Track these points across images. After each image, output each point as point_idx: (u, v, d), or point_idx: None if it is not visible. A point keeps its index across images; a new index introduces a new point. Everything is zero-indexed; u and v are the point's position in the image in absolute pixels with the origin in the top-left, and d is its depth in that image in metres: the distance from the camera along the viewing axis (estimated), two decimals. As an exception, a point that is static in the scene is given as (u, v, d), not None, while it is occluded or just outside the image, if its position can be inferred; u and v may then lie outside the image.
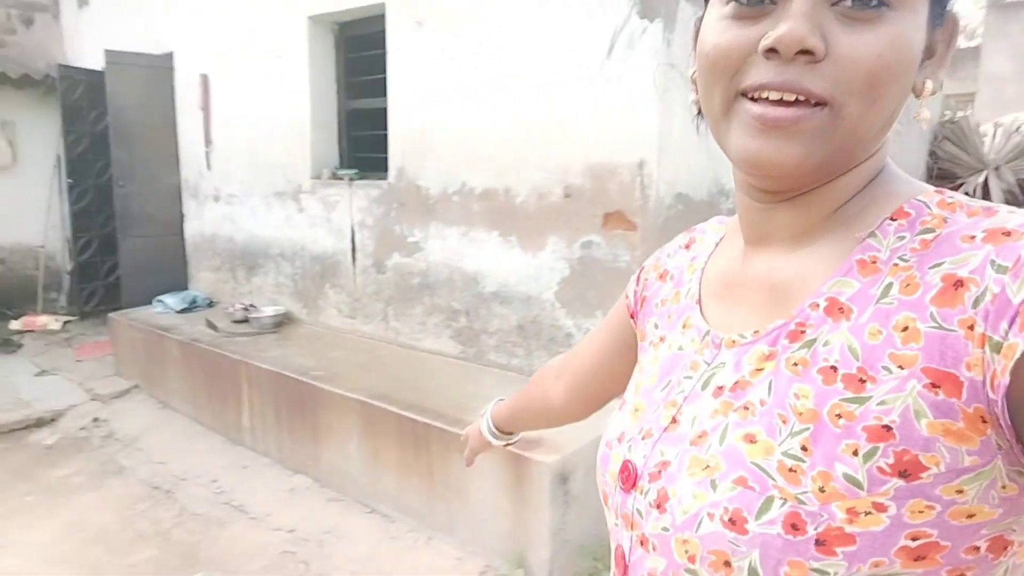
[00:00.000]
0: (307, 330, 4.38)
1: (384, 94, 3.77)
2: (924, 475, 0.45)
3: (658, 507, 0.55)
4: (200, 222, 5.31)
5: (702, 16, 0.57)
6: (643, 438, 0.60)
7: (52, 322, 6.36)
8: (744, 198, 0.60)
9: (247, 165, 4.76)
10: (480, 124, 3.31)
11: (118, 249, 5.43)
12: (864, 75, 0.47)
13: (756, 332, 0.56)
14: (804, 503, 0.47)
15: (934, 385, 0.45)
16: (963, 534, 0.46)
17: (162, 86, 5.26)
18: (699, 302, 0.65)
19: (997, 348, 0.43)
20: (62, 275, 6.95)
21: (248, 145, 4.71)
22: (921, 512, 0.45)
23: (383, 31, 3.71)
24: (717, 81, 0.52)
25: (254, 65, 4.54)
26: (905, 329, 0.47)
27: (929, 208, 0.52)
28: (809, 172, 0.51)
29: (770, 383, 0.52)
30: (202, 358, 4.12)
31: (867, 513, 0.45)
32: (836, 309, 0.51)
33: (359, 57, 4.19)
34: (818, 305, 0.52)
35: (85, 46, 6.21)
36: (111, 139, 5.19)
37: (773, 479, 0.48)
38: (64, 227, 6.71)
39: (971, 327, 0.44)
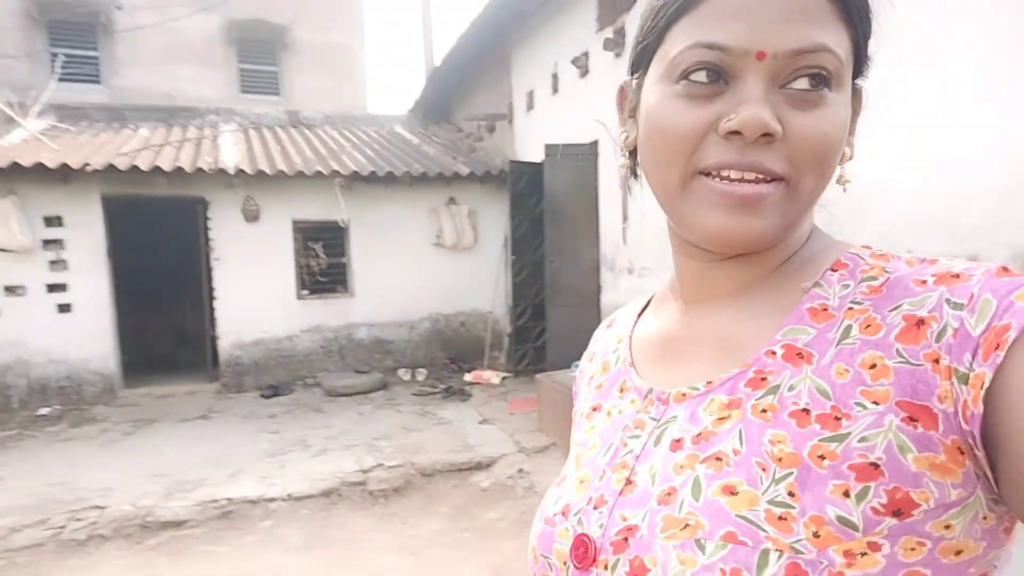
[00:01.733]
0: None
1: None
2: (916, 512, 0.45)
3: None
4: (615, 293, 5.64)
5: (637, 82, 0.59)
6: (595, 507, 0.56)
7: (494, 377, 7.43)
8: (685, 260, 0.61)
9: (662, 237, 4.87)
10: (929, 181, 2.77)
11: (546, 316, 6.08)
12: (814, 153, 0.50)
13: (709, 383, 0.55)
14: (801, 552, 0.45)
15: (911, 419, 0.45)
16: (953, 573, 0.46)
17: (587, 171, 5.82)
18: (632, 365, 0.65)
19: (964, 379, 0.44)
20: (503, 337, 8.11)
21: (662, 219, 4.83)
22: (913, 550, 0.45)
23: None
24: (674, 160, 0.53)
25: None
26: (873, 367, 0.48)
27: (863, 259, 0.54)
28: (768, 242, 0.53)
29: (740, 431, 0.51)
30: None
31: (863, 554, 0.45)
32: (795, 355, 0.52)
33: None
34: (775, 352, 0.53)
35: (530, 143, 7.30)
36: (545, 220, 5.92)
37: (764, 530, 0.46)
38: (507, 296, 7.85)
39: (936, 360, 0.46)
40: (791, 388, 0.50)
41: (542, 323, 6.98)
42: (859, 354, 0.49)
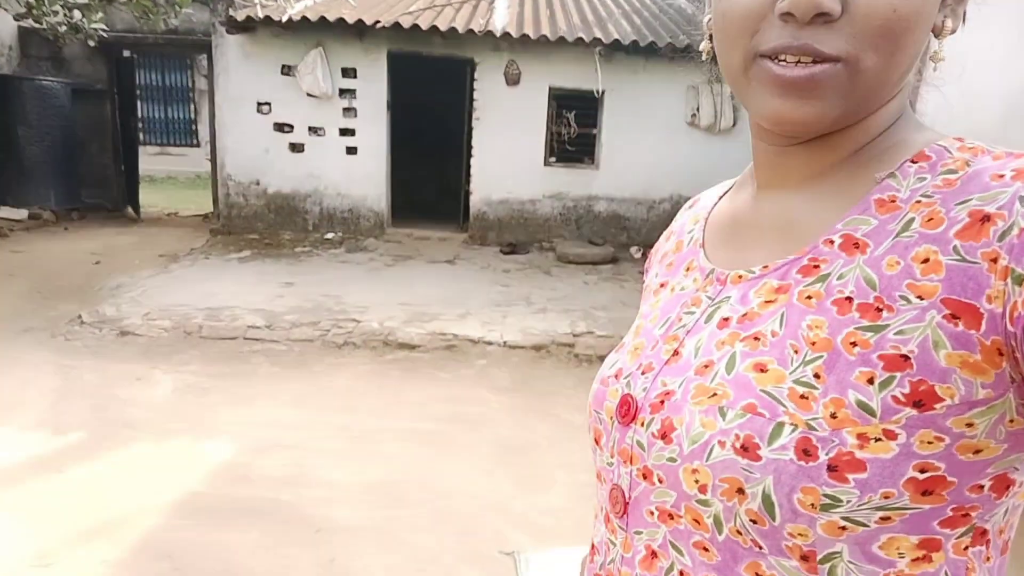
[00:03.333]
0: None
1: None
2: (938, 406, 0.45)
3: (663, 437, 0.54)
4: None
5: None
6: (643, 372, 0.60)
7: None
8: (759, 143, 0.60)
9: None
10: None
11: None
12: (879, 29, 0.47)
13: (765, 267, 0.56)
14: (815, 429, 0.47)
15: (954, 316, 0.45)
16: (969, 471, 0.46)
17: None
18: (702, 246, 0.66)
19: (1020, 280, 0.43)
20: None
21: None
22: (930, 443, 0.45)
23: None
24: (735, 42, 0.53)
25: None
26: (926, 261, 0.47)
27: (950, 152, 0.52)
28: (829, 126, 0.52)
29: (782, 315, 0.52)
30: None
31: (877, 439, 0.45)
32: (851, 244, 0.51)
33: None
34: (832, 241, 0.53)
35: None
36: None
37: (784, 405, 0.48)
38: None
39: (994, 260, 0.44)
40: (840, 277, 0.51)
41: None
42: (914, 247, 0.48)
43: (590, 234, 8.01)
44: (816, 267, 0.52)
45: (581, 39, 7.10)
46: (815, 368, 0.48)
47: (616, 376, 0.63)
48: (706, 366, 0.54)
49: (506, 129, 7.68)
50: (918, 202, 0.50)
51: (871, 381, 0.46)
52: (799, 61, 0.49)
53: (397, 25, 7.01)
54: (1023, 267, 0.43)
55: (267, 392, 3.94)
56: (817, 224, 0.55)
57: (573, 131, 7.75)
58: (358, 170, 7.81)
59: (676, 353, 0.58)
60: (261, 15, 6.98)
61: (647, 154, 7.74)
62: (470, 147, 7.88)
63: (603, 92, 7.53)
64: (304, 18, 6.97)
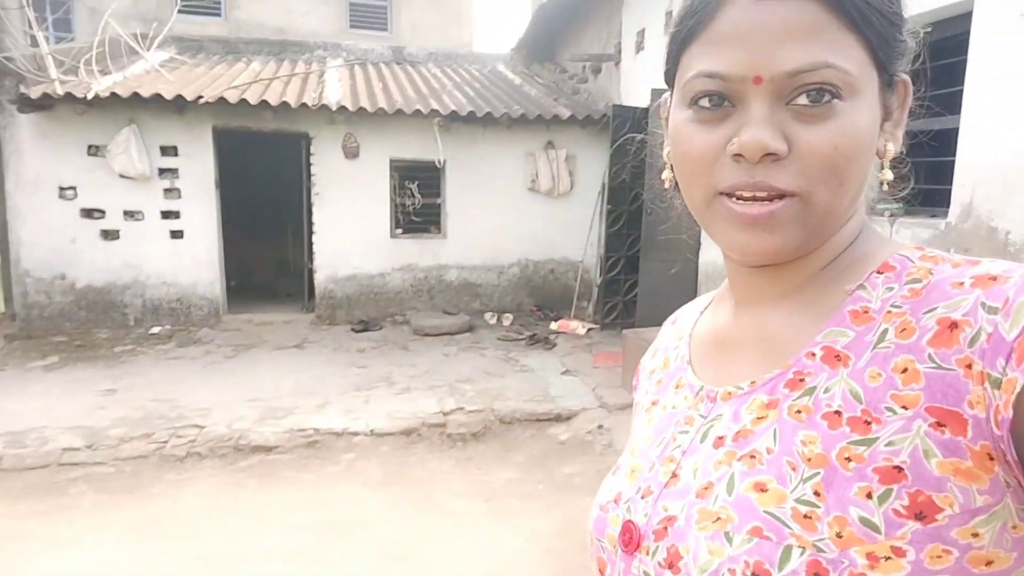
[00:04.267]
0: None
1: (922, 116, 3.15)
2: (939, 516, 0.45)
3: (670, 567, 0.53)
4: (716, 251, 5.32)
5: (669, 97, 0.61)
6: (642, 497, 0.59)
7: (580, 328, 7.31)
8: (731, 263, 0.62)
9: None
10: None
11: (639, 270, 5.84)
12: (824, 166, 0.51)
13: (752, 383, 0.57)
14: (823, 551, 0.46)
15: (940, 424, 0.46)
16: None
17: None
18: (689, 363, 0.67)
19: (997, 384, 0.44)
20: (592, 288, 7.94)
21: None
22: (939, 557, 0.45)
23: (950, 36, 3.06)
24: (694, 181, 0.56)
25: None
26: (905, 371, 0.48)
27: (912, 261, 0.54)
28: (791, 253, 0.55)
29: (775, 431, 0.52)
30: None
31: (887, 558, 0.45)
32: (833, 357, 0.53)
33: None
34: (814, 354, 0.54)
35: (636, 87, 6.91)
36: (647, 169, 5.61)
37: (789, 527, 0.48)
38: (599, 246, 7.64)
39: (969, 366, 0.46)
40: (826, 390, 0.52)
41: (634, 276, 6.75)
42: (892, 358, 0.49)
43: (443, 304, 7.88)
44: (802, 380, 0.54)
45: (419, 110, 7.11)
46: (814, 486, 0.48)
47: (615, 501, 0.62)
48: (706, 488, 0.54)
49: (348, 203, 7.43)
50: (889, 312, 0.52)
51: (870, 496, 0.46)
52: (754, 197, 0.52)
53: (222, 100, 6.60)
54: (998, 371, 0.44)
55: (94, 527, 3.30)
56: (797, 337, 0.56)
57: (418, 202, 7.68)
58: (186, 255, 7.14)
59: (674, 475, 0.58)
60: (61, 92, 6.26)
61: (492, 220, 7.82)
62: (311, 223, 7.52)
63: (445, 162, 7.55)
64: (113, 94, 6.34)
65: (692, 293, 5.62)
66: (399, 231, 7.74)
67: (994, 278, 0.48)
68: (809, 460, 0.49)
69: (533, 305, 8.12)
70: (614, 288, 6.97)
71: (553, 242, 8.03)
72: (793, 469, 0.50)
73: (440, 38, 11.79)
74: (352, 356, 6.37)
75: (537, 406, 5.01)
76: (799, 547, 0.47)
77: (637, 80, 6.93)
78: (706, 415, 0.59)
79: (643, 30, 6.82)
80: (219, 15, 11.26)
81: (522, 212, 7.90)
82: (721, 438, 0.56)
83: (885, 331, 0.51)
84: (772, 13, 0.50)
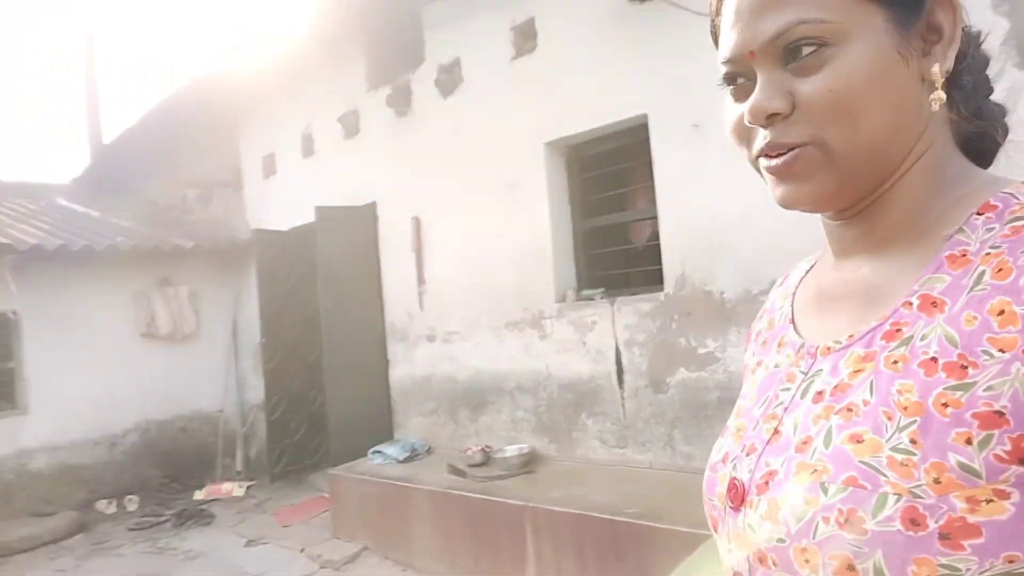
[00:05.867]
0: (563, 467, 3.99)
1: (618, 210, 3.94)
2: None
3: (770, 518, 0.54)
4: (410, 366, 5.14)
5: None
6: (747, 454, 0.60)
7: (236, 489, 6.15)
8: (823, 219, 0.64)
9: (469, 300, 4.63)
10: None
11: (327, 403, 5.25)
12: (827, 109, 0.53)
13: (851, 336, 0.57)
14: (920, 496, 0.45)
15: None
16: None
17: (366, 235, 5.32)
18: (792, 321, 0.68)
19: None
20: (236, 439, 6.82)
21: (470, 280, 4.62)
22: None
23: (624, 146, 3.77)
24: (742, 152, 0.61)
25: (475, 200, 4.54)
26: (1001, 313, 0.47)
27: (1017, 198, 0.52)
28: (833, 198, 0.57)
29: (871, 383, 0.52)
30: (464, 508, 3.75)
31: (988, 501, 0.44)
32: (929, 304, 0.52)
33: (591, 177, 4.17)
34: (911, 304, 0.53)
35: (273, 211, 6.38)
36: (320, 290, 5.18)
37: (884, 475, 0.47)
38: (239, 390, 6.68)
39: None
40: (923, 338, 0.51)
41: (301, 414, 6.06)
42: (988, 300, 0.48)
43: (31, 504, 5.73)
44: (899, 331, 0.53)
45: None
46: (910, 434, 0.47)
47: (723, 460, 0.63)
48: (805, 442, 0.54)
49: None
50: (987, 254, 0.50)
51: (969, 441, 0.45)
52: (776, 155, 0.56)
53: None
54: None
55: None
56: (895, 288, 0.56)
57: (-23, 370, 5.59)
58: None
59: (776, 432, 0.58)
60: None
61: (97, 380, 6.13)
62: None
63: (20, 312, 5.72)
64: None
65: (387, 415, 5.28)
66: (-52, 415, 5.46)
67: None
68: (905, 408, 0.49)
69: (163, 477, 6.53)
70: (279, 432, 6.09)
71: (181, 394, 6.69)
72: (889, 419, 0.49)
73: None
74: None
75: (250, 591, 3.94)
76: (895, 494, 0.46)
77: (272, 203, 6.48)
78: (806, 371, 0.60)
79: (272, 154, 6.48)
80: None
81: (137, 363, 6.42)
82: (820, 393, 0.56)
83: (982, 273, 0.50)
84: None
